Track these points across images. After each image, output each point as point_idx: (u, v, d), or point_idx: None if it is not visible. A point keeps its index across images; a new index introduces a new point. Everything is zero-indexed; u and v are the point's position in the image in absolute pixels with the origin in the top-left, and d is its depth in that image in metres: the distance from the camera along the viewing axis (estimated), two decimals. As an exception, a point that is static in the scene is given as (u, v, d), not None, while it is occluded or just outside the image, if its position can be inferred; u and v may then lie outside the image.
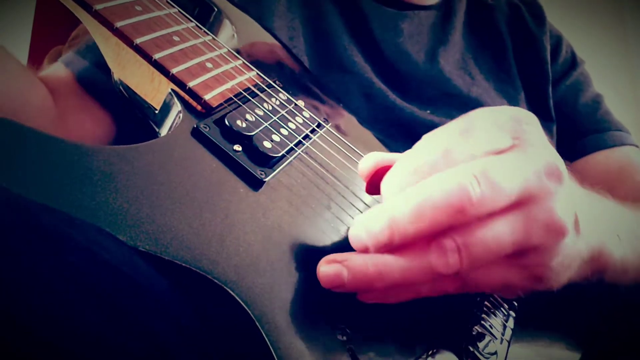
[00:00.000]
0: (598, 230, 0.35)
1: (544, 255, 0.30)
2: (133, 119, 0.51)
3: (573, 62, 0.70)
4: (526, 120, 0.32)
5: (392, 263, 0.29)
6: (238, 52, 0.44)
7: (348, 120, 0.48)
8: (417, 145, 0.31)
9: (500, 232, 0.29)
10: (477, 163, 0.29)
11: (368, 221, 0.29)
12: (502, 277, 0.31)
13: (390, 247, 0.29)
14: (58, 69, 0.55)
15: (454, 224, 0.28)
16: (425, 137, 0.31)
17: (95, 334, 0.27)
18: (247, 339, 0.28)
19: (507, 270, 0.31)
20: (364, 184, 0.34)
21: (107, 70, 0.52)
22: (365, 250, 0.29)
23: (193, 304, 0.28)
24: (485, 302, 0.36)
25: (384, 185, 0.31)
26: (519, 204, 0.29)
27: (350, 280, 0.29)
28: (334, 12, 0.58)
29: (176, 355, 0.27)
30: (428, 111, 0.58)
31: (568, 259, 0.31)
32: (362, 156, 0.35)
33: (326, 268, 0.29)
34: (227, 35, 0.48)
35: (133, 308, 0.28)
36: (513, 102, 0.63)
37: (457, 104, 0.61)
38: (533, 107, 0.65)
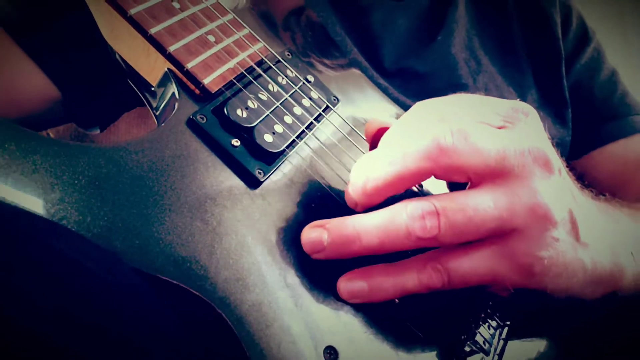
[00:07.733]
0: (612, 250, 0.34)
1: (529, 241, 0.29)
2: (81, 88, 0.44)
3: (585, 35, 0.63)
4: (524, 110, 0.31)
5: (369, 221, 0.30)
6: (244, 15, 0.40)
7: (359, 88, 0.46)
8: (413, 109, 0.32)
9: (481, 202, 0.28)
10: (457, 121, 0.29)
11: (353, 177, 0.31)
12: (489, 266, 0.30)
13: (370, 194, 0.30)
14: None
15: (424, 172, 0.29)
16: (420, 104, 0.32)
17: (79, 344, 0.27)
18: (232, 357, 0.27)
19: (493, 258, 0.30)
20: None
21: (35, 23, 0.43)
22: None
23: (180, 317, 0.27)
24: (481, 315, 0.35)
25: (381, 140, 0.32)
26: (499, 175, 0.29)
27: (329, 241, 0.30)
28: (329, 10, 0.53)
29: None
30: None
31: (564, 259, 0.30)
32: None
33: (309, 232, 0.31)
34: (233, -5, 0.44)
35: (118, 319, 0.28)
36: (519, 88, 0.59)
37: None
38: (544, 91, 0.60)
